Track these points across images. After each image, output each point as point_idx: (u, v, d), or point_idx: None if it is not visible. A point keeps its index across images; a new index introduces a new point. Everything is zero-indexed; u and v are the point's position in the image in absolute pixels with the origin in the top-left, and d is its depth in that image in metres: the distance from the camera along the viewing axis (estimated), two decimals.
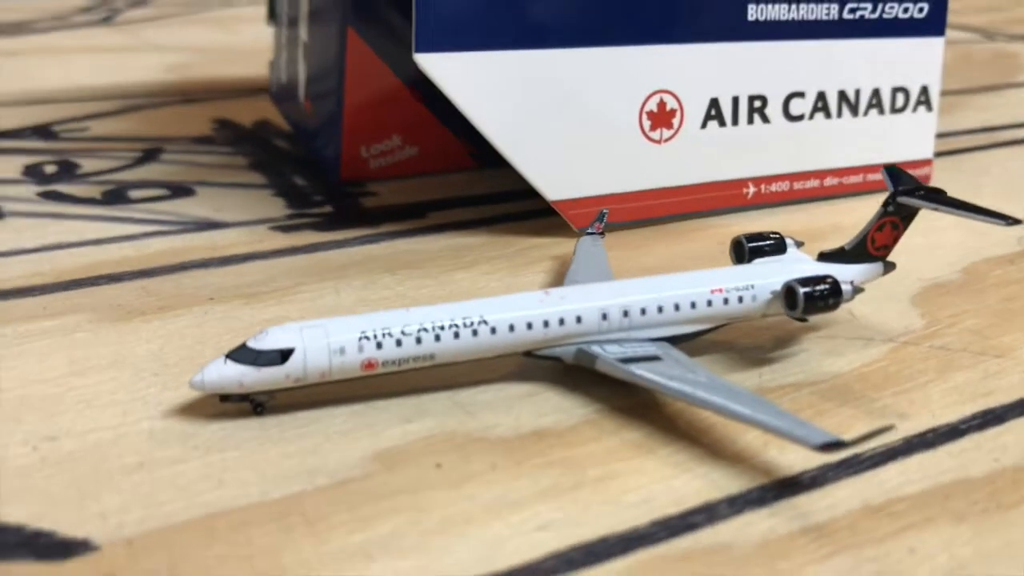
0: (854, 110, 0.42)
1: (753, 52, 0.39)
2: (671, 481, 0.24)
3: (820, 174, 0.42)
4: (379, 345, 0.25)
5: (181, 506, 0.22)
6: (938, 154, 0.45)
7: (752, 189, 0.41)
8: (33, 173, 0.41)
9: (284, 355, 0.24)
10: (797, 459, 0.24)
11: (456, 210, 0.40)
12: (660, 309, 0.27)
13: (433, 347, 0.26)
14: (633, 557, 0.21)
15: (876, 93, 0.42)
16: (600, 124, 0.37)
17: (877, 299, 0.33)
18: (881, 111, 0.43)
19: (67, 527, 0.21)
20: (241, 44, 0.61)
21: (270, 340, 0.25)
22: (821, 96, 0.41)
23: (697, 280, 0.28)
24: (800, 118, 0.41)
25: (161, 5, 0.81)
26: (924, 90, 0.43)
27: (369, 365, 0.25)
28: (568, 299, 0.27)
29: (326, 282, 0.33)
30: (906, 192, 0.29)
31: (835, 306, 0.28)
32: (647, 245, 0.37)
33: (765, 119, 0.40)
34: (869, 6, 0.41)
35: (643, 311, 0.27)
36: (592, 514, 0.22)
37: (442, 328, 0.26)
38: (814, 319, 0.31)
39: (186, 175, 0.42)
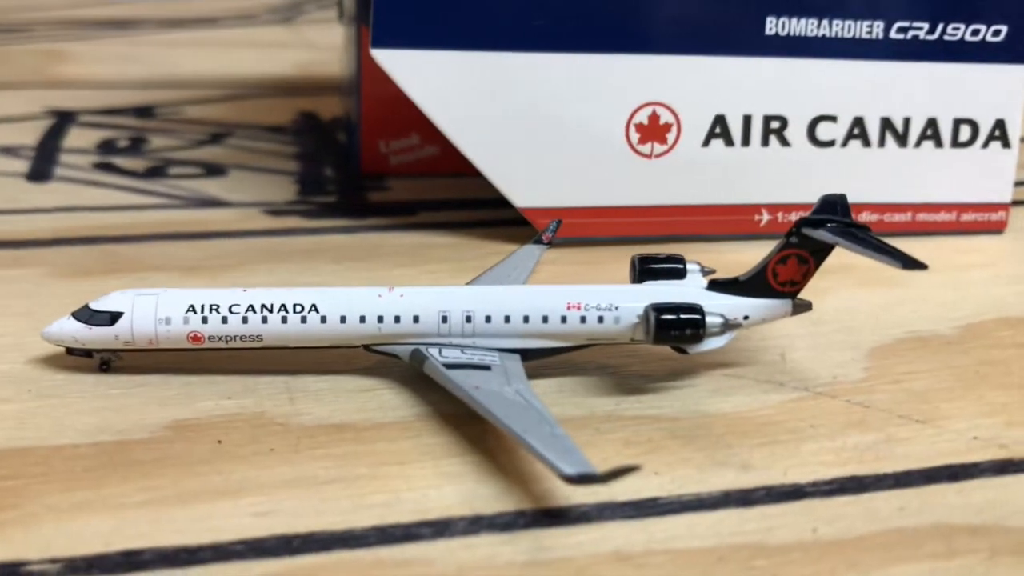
0: (901, 140, 0.38)
1: (771, 69, 0.36)
2: (430, 490, 0.23)
3: (854, 208, 0.38)
4: (205, 320, 0.26)
5: None
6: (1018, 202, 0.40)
7: (766, 217, 0.38)
8: (104, 146, 0.46)
9: (113, 318, 0.26)
10: (580, 492, 0.23)
11: (450, 211, 0.40)
12: (507, 319, 0.26)
13: (260, 328, 0.26)
14: (326, 556, 0.20)
15: (932, 123, 0.38)
16: (579, 134, 0.35)
17: (827, 345, 0.30)
18: (938, 144, 0.38)
19: None
20: None
21: (106, 303, 0.26)
22: (858, 122, 0.37)
23: (558, 294, 0.27)
24: (830, 144, 0.37)
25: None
26: (999, 124, 0.38)
27: (195, 338, 0.26)
28: (410, 297, 0.26)
29: (265, 264, 0.34)
30: (813, 223, 0.26)
31: (695, 338, 0.25)
32: (612, 262, 0.35)
33: (785, 142, 0.37)
34: (925, 26, 0.37)
35: (488, 319, 0.26)
36: (319, 509, 0.22)
37: (270, 310, 0.26)
38: (734, 357, 0.29)
39: (231, 158, 0.45)
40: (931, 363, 0.29)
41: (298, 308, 0.26)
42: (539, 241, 0.33)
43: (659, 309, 0.25)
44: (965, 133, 0.38)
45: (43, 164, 0.43)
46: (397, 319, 0.26)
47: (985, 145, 0.38)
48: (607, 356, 0.29)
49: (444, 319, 0.26)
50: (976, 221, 0.39)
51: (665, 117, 0.36)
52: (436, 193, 0.41)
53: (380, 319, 0.26)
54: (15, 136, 0.46)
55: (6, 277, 0.33)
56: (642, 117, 0.36)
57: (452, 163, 0.43)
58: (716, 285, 0.27)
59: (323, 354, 0.27)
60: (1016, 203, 0.40)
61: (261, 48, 0.68)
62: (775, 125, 0.37)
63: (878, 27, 0.37)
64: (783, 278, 0.27)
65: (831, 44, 0.37)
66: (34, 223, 0.37)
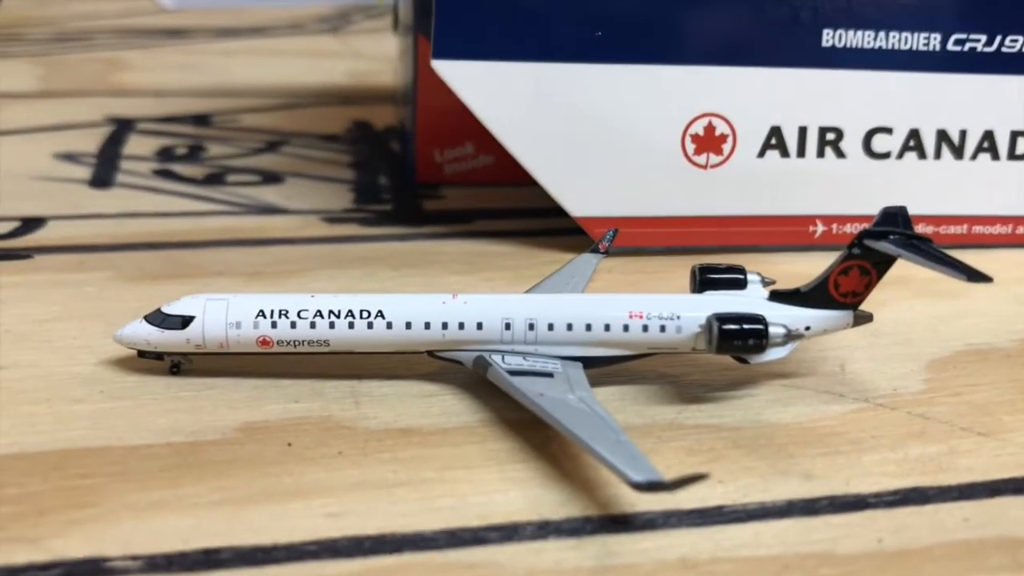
0: (957, 152, 0.38)
1: (827, 80, 0.36)
2: (495, 495, 0.23)
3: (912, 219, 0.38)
4: (274, 324, 0.26)
5: (49, 438, 0.24)
6: None
7: (821, 228, 0.38)
8: (164, 153, 0.47)
9: (185, 321, 0.26)
10: (649, 499, 0.23)
11: (505, 220, 0.40)
12: (569, 327, 0.26)
13: (327, 333, 0.26)
14: (397, 558, 0.21)
15: (989, 136, 0.38)
16: (636, 144, 0.36)
17: (886, 357, 0.30)
18: (995, 156, 0.38)
19: None
20: None
21: (178, 307, 0.27)
22: (914, 134, 0.37)
23: (620, 303, 0.27)
24: (886, 156, 0.37)
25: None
26: None
27: (265, 342, 0.26)
28: (474, 304, 0.27)
29: (327, 270, 0.35)
30: (876, 234, 0.26)
31: (758, 349, 0.26)
32: (670, 272, 0.35)
33: (840, 154, 0.37)
34: (983, 38, 0.37)
35: (550, 326, 0.26)
36: (389, 512, 0.22)
37: (337, 316, 0.26)
38: (794, 367, 0.29)
39: (288, 166, 0.46)
40: (991, 376, 0.29)
41: (365, 314, 0.26)
42: (596, 250, 0.33)
43: (722, 319, 0.26)
44: (1022, 145, 0.38)
45: (105, 171, 0.44)
46: (461, 326, 0.27)
47: None
48: (667, 365, 0.29)
49: (507, 326, 0.26)
50: None
51: (721, 128, 0.36)
52: (491, 202, 0.42)
53: (444, 325, 0.26)
54: (77, 143, 0.48)
55: (72, 281, 0.33)
56: (698, 128, 0.36)
57: (506, 172, 0.43)
58: (778, 296, 0.27)
59: (386, 359, 0.28)
60: None
61: (312, 57, 0.69)
62: (830, 137, 0.37)
63: (935, 39, 0.37)
64: (844, 289, 0.27)
65: (887, 56, 0.37)
66: (98, 228, 0.38)
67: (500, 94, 0.35)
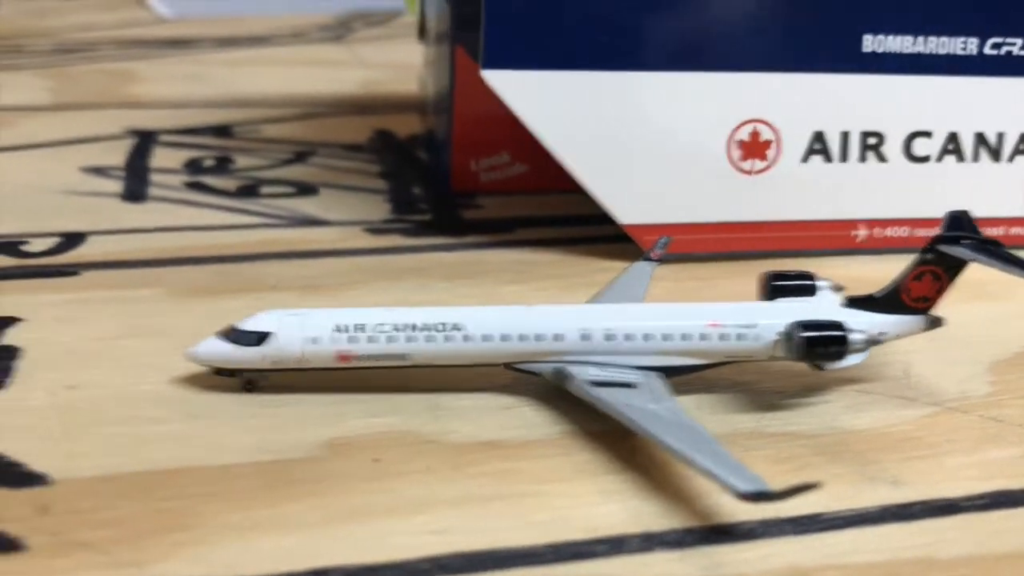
0: (995, 155, 0.38)
1: (868, 85, 0.37)
2: (595, 508, 0.23)
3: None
4: (352, 339, 0.26)
5: (133, 460, 0.24)
6: None
7: (863, 232, 0.38)
8: (192, 165, 0.46)
9: (261, 338, 0.26)
10: (745, 508, 0.23)
11: (546, 228, 0.40)
12: (647, 337, 0.27)
13: (405, 347, 0.26)
14: (505, 573, 0.21)
15: None
16: (682, 151, 0.36)
17: (947, 360, 0.30)
18: None
19: (36, 462, 0.24)
20: None
21: (253, 323, 0.26)
22: (953, 137, 0.38)
23: (696, 312, 0.27)
24: (925, 159, 0.38)
25: (395, 26, 0.87)
26: None
27: (343, 357, 0.26)
28: (551, 316, 0.27)
29: (380, 282, 0.34)
30: (949, 239, 0.27)
31: (839, 356, 0.26)
32: (720, 279, 0.35)
33: (881, 158, 0.38)
34: (1019, 42, 0.37)
35: (628, 336, 0.27)
36: (493, 527, 0.22)
37: (415, 330, 0.26)
38: (861, 372, 0.29)
39: (320, 177, 0.45)
40: None
41: (442, 327, 0.26)
42: (647, 258, 0.34)
43: (805, 327, 0.26)
44: None
45: (137, 184, 0.44)
46: (539, 337, 0.26)
47: None
48: (739, 373, 0.29)
49: (585, 337, 0.26)
50: None
51: (765, 134, 0.37)
52: (529, 210, 0.42)
53: (523, 338, 0.26)
54: (102, 156, 0.47)
55: (125, 298, 0.33)
56: (743, 134, 0.36)
57: (541, 181, 0.43)
58: (852, 302, 0.27)
59: (461, 372, 0.28)
60: None
61: (321, 67, 0.69)
62: (872, 141, 0.38)
63: (972, 43, 0.37)
64: (916, 295, 0.27)
65: (926, 60, 0.37)
66: (140, 243, 0.37)
67: (549, 103, 0.35)
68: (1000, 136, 0.38)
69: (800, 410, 0.27)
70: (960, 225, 0.28)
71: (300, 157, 0.48)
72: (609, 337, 0.26)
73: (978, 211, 0.39)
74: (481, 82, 0.41)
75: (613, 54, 0.35)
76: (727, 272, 0.36)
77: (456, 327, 0.26)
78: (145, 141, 0.50)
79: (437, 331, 0.26)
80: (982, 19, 0.37)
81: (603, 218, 0.37)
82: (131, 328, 0.31)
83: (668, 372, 0.27)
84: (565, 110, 0.35)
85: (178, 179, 0.45)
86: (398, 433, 0.26)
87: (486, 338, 0.26)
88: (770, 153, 0.37)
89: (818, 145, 0.37)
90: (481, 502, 0.23)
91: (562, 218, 0.41)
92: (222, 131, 0.52)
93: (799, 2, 0.36)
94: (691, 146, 0.36)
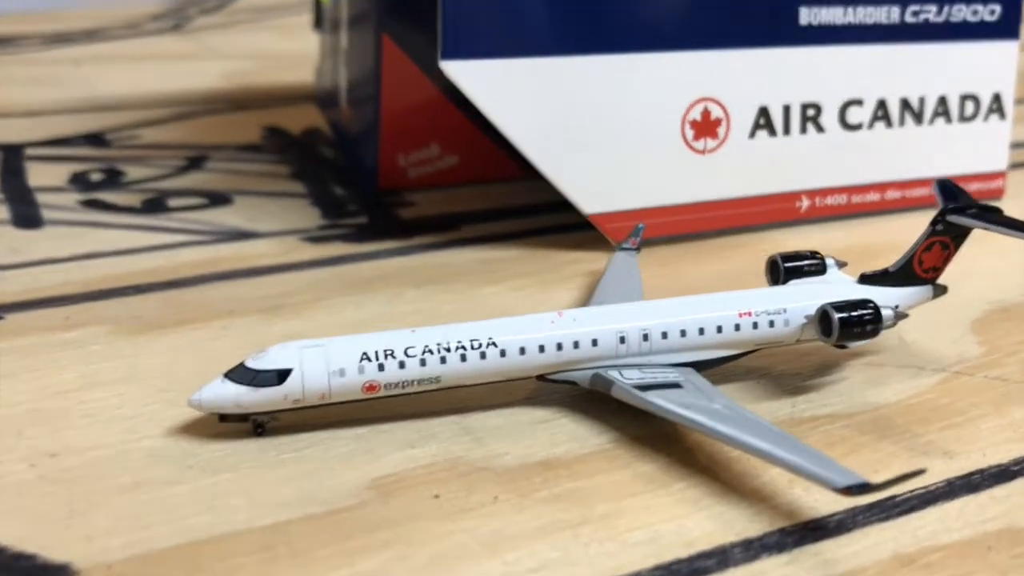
0: (918, 119, 0.40)
1: (806, 57, 0.37)
2: (682, 520, 0.22)
3: (881, 187, 0.40)
4: (381, 367, 0.24)
5: (167, 530, 0.21)
6: (1014, 166, 0.43)
7: (806, 202, 0.39)
8: (79, 181, 0.42)
9: (281, 376, 0.24)
10: (823, 500, 0.23)
11: (492, 223, 0.38)
12: (683, 333, 0.26)
13: (439, 370, 0.24)
14: None
15: (943, 101, 0.40)
16: (640, 134, 0.35)
17: (932, 324, 0.31)
18: (948, 120, 0.40)
19: (51, 550, 0.21)
20: (300, 51, 0.60)
21: (268, 360, 0.24)
22: (882, 104, 0.39)
23: (725, 302, 0.26)
24: (858, 127, 0.39)
25: (232, 12, 0.82)
26: (996, 98, 0.41)
27: (371, 387, 0.24)
28: (584, 321, 0.26)
29: (348, 296, 0.32)
30: (957, 210, 0.27)
31: (874, 333, 0.26)
32: (684, 261, 0.35)
33: (820, 128, 0.38)
34: (934, 8, 0.39)
35: (664, 335, 0.26)
36: (592, 554, 0.21)
37: (448, 350, 0.24)
38: (861, 345, 0.29)
39: (227, 184, 0.42)
40: None
41: (475, 344, 0.25)
42: (626, 248, 0.33)
43: (838, 308, 0.26)
44: (970, 108, 0.41)
45: (23, 207, 0.39)
46: (576, 344, 0.25)
47: (986, 118, 0.41)
48: (748, 360, 0.28)
49: (622, 339, 0.25)
50: (979, 190, 0.41)
51: (716, 112, 0.36)
52: (466, 205, 0.40)
53: (559, 346, 0.25)
54: None
55: (68, 340, 0.29)
56: (695, 113, 0.36)
57: (471, 172, 0.42)
58: (867, 278, 0.28)
59: (479, 388, 0.26)
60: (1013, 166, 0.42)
61: (172, 60, 0.64)
62: (811, 112, 0.38)
63: (895, 12, 0.38)
64: (927, 265, 0.28)
65: (856, 30, 0.38)
66: (57, 275, 0.33)
67: (509, 92, 0.33)
68: (921, 100, 0.40)
69: (826, 390, 0.27)
70: (953, 193, 0.28)
71: (195, 163, 0.44)
72: (646, 337, 0.26)
73: (907, 173, 0.41)
74: (409, 73, 0.39)
75: (572, 39, 0.34)
76: (688, 254, 0.36)
77: (491, 342, 0.25)
78: (12, 156, 0.44)
79: (472, 349, 0.24)
80: None
81: (548, 207, 0.36)
82: (90, 376, 0.27)
83: (699, 365, 0.26)
84: (526, 99, 0.34)
85: (69, 198, 0.40)
86: (445, 463, 0.24)
87: (523, 351, 0.25)
88: (720, 131, 0.37)
89: (763, 120, 0.37)
90: (568, 528, 0.22)
91: (506, 210, 0.40)
92: (96, 139, 0.47)
93: None
94: (649, 129, 0.35)
